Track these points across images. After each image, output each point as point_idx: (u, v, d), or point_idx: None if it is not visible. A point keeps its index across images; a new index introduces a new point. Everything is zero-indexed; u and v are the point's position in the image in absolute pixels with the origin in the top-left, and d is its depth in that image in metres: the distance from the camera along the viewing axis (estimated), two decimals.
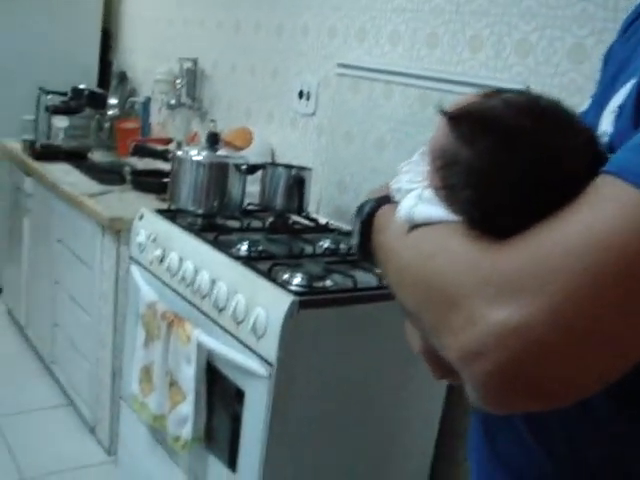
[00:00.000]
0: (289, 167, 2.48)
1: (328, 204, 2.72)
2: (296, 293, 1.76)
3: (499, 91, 0.74)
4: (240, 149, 2.81)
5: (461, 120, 0.71)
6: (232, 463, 1.94)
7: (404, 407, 2.08)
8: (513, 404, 0.62)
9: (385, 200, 0.90)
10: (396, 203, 0.85)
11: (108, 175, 3.22)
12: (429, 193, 0.77)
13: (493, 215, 0.66)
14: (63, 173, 3.27)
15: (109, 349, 2.80)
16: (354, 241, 0.93)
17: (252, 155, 2.63)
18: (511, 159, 0.66)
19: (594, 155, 0.67)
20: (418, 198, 0.78)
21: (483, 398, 0.62)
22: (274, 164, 2.62)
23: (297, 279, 1.84)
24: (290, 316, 1.72)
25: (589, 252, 0.57)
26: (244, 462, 1.89)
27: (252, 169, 2.38)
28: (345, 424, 1.97)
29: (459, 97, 0.78)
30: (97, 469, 2.89)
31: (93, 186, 3.06)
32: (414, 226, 0.77)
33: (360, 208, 0.92)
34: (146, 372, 2.19)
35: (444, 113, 0.72)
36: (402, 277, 0.75)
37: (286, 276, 1.86)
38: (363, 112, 2.58)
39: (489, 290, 0.60)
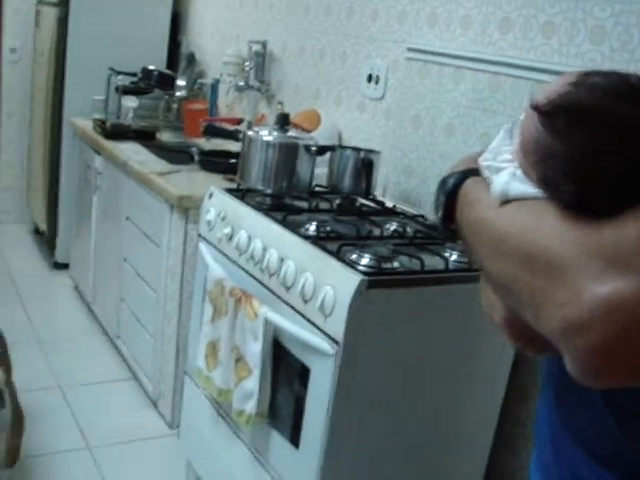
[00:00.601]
0: (357, 150, 2.49)
1: (394, 188, 2.73)
2: (364, 273, 1.77)
3: (587, 74, 0.74)
4: (308, 131, 2.83)
5: (554, 115, 0.71)
6: (295, 439, 1.97)
7: (466, 392, 2.08)
8: (613, 378, 0.63)
9: (469, 173, 0.91)
10: (482, 177, 0.86)
11: (176, 155, 3.27)
12: (521, 173, 0.79)
13: (593, 202, 0.67)
14: (132, 152, 3.33)
15: (174, 325, 2.85)
16: (438, 213, 0.94)
17: (320, 138, 2.64)
18: (611, 149, 0.67)
19: None
20: (512, 176, 0.79)
21: (582, 371, 0.63)
22: (343, 146, 2.63)
23: (365, 259, 1.85)
24: (358, 295, 1.73)
25: None
26: (307, 438, 1.92)
27: (321, 150, 2.40)
28: (407, 405, 1.98)
29: (545, 85, 0.78)
30: (159, 441, 2.96)
31: (162, 165, 3.12)
32: (506, 202, 0.78)
33: (444, 181, 0.93)
34: (212, 347, 2.23)
35: (536, 107, 0.72)
36: (498, 248, 0.76)
37: (354, 256, 1.87)
38: (432, 97, 2.58)
39: (596, 264, 0.61)
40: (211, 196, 2.42)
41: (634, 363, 0.60)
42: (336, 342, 1.78)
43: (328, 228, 2.09)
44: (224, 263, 2.26)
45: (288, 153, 2.33)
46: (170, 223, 2.79)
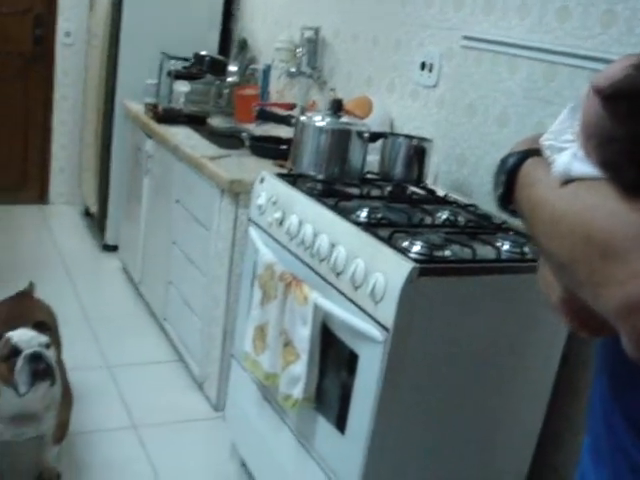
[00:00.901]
0: (410, 137, 2.48)
1: (446, 177, 2.71)
2: (416, 260, 1.76)
3: None
4: (360, 118, 2.82)
5: (616, 99, 0.71)
6: (341, 425, 1.97)
7: (514, 384, 2.06)
8: None
9: (530, 153, 0.91)
10: (543, 157, 0.87)
11: (227, 140, 3.28)
12: (582, 153, 0.78)
13: None
14: (184, 136, 3.35)
15: (222, 308, 2.87)
16: (498, 192, 0.94)
17: (371, 125, 2.63)
18: None
19: None
20: (573, 156, 0.79)
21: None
22: (395, 134, 2.62)
23: (417, 247, 1.84)
24: (410, 282, 1.73)
25: None
26: (353, 425, 1.92)
27: (374, 137, 2.39)
28: (455, 395, 1.97)
29: (606, 67, 0.77)
30: (204, 424, 2.99)
31: (213, 150, 3.13)
32: (568, 182, 0.78)
33: (504, 160, 0.94)
34: (260, 331, 2.24)
35: (597, 91, 0.71)
36: (558, 226, 0.76)
37: (406, 243, 1.86)
38: (486, 85, 2.55)
39: None
40: (262, 180, 2.43)
41: None
42: (386, 329, 1.77)
43: (380, 215, 2.09)
44: (274, 248, 2.27)
45: (341, 139, 2.32)
46: (220, 207, 2.81)
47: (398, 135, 2.54)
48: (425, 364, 1.87)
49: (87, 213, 5.18)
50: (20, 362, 2.10)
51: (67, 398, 2.40)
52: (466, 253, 1.91)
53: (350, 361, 1.92)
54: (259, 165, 2.87)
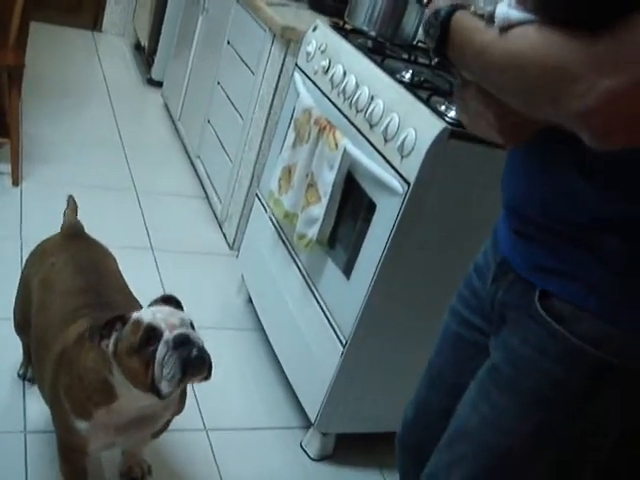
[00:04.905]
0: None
1: None
2: (450, 123, 1.81)
3: None
4: None
5: None
6: (348, 270, 2.07)
7: None
8: (620, 137, 0.85)
9: (457, 7, 1.05)
10: (468, 10, 1.03)
11: None
12: (515, 2, 0.95)
13: (584, 18, 0.85)
14: None
15: (254, 151, 2.94)
16: (433, 42, 1.08)
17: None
18: None
19: None
20: (508, 5, 0.95)
21: (603, 133, 0.85)
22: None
23: (453, 112, 1.88)
24: (439, 141, 1.78)
25: None
26: (359, 271, 2.01)
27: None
28: (461, 262, 2.03)
29: None
30: (218, 258, 3.12)
31: None
32: (506, 28, 0.94)
33: (436, 13, 1.07)
34: (287, 172, 2.32)
35: None
36: (513, 64, 0.92)
37: (443, 107, 1.90)
38: None
39: (604, 64, 0.82)
40: (315, 29, 2.45)
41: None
42: (407, 183, 1.84)
43: (423, 78, 2.12)
44: (315, 95, 2.31)
45: (399, 0, 2.33)
46: (270, 52, 2.84)
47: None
48: (437, 225, 1.93)
49: (137, 47, 5.21)
50: (162, 350, 1.45)
51: (183, 391, 1.75)
52: None
53: (368, 210, 1.99)
54: (314, 18, 2.87)
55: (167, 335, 1.46)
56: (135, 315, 1.50)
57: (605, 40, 0.83)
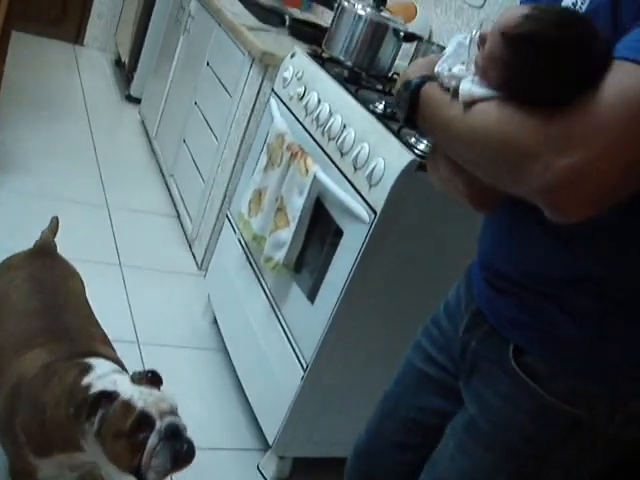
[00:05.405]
0: (443, 49, 2.51)
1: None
2: (419, 155, 1.84)
3: (535, 7, 0.94)
4: None
5: (514, 40, 0.92)
6: (312, 295, 2.09)
7: None
8: (579, 211, 0.87)
9: (426, 79, 1.10)
10: (437, 83, 1.08)
11: (269, 15, 3.33)
12: (478, 79, 0.99)
13: (542, 97, 0.89)
14: (228, 2, 3.38)
15: (227, 173, 2.96)
16: (403, 112, 1.13)
17: (411, 30, 2.67)
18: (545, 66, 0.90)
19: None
20: (472, 82, 0.99)
21: (562, 209, 0.88)
22: (431, 41, 2.66)
23: (422, 146, 1.92)
24: (407, 173, 1.81)
25: (627, 107, 0.82)
26: (323, 296, 2.03)
27: (409, 37, 2.42)
28: (425, 289, 2.06)
29: (502, 13, 0.99)
30: (186, 277, 3.12)
31: (253, 21, 3.17)
32: (470, 103, 0.98)
33: (406, 84, 1.12)
34: (258, 195, 2.34)
35: (502, 34, 0.93)
36: (475, 138, 0.97)
37: (413, 140, 1.93)
38: None
39: (560, 144, 0.85)
40: (293, 55, 2.49)
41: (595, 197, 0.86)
42: (374, 212, 1.86)
43: (395, 110, 2.15)
44: (290, 120, 2.34)
45: (377, 31, 2.36)
46: (248, 75, 2.87)
47: (433, 43, 2.58)
48: (402, 255, 1.96)
49: (118, 62, 5.23)
50: (154, 440, 1.42)
51: None
52: None
53: (334, 236, 2.02)
54: (294, 44, 2.91)
55: (159, 424, 1.43)
56: (124, 395, 1.45)
57: (560, 118, 0.86)
